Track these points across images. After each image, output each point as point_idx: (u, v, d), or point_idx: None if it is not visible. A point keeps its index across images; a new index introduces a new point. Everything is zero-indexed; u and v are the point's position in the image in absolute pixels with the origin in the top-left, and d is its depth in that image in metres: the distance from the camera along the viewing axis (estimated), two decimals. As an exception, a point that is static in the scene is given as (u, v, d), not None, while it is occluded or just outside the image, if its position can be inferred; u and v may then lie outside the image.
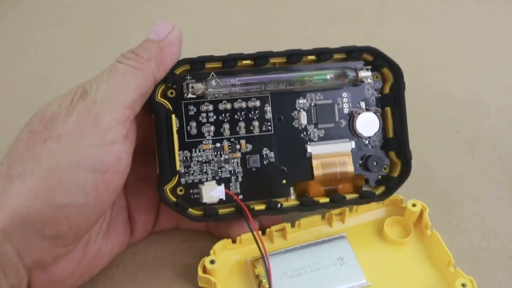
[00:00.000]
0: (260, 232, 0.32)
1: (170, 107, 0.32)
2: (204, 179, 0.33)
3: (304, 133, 0.34)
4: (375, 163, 0.34)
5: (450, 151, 0.42)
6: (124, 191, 0.34)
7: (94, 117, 0.26)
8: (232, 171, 0.33)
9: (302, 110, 0.34)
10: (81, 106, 0.27)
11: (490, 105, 0.45)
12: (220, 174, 0.33)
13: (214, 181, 0.32)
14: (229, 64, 0.32)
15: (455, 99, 0.45)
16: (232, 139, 0.33)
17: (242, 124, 0.33)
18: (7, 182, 0.25)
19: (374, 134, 0.35)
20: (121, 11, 0.54)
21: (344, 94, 0.35)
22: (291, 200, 0.33)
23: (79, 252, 0.29)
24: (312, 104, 0.34)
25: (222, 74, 0.32)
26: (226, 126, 0.33)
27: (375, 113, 0.35)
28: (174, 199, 0.32)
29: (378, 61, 0.34)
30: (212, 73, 0.32)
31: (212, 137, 0.33)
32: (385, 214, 0.36)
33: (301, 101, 0.34)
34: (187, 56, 0.32)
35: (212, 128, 0.33)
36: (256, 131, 0.33)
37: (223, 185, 0.32)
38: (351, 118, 0.34)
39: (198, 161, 0.33)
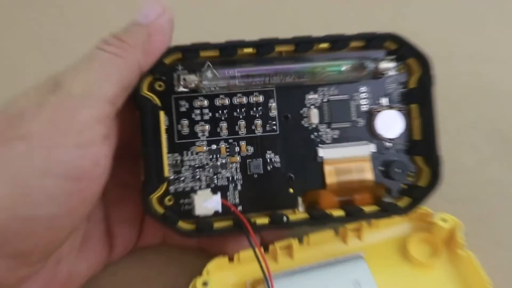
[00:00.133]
0: (262, 249, 0.31)
1: (158, 102, 0.32)
2: (197, 187, 0.33)
3: (315, 134, 0.34)
4: (398, 170, 0.34)
5: (488, 155, 0.41)
6: (102, 200, 0.34)
7: (68, 114, 0.26)
8: (230, 178, 0.33)
9: (312, 107, 0.34)
10: (53, 101, 0.26)
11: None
12: (216, 182, 0.33)
13: (209, 190, 0.32)
14: (227, 53, 0.32)
15: (494, 93, 0.44)
16: (231, 140, 0.33)
17: (242, 123, 0.33)
18: None
19: (398, 136, 0.34)
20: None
21: (363, 89, 0.34)
22: (299, 213, 0.33)
23: (48, 272, 0.29)
24: (325, 100, 0.34)
25: (219, 64, 0.32)
26: (224, 125, 0.33)
27: (399, 111, 0.34)
28: (161, 211, 0.32)
29: (403, 50, 0.34)
30: (208, 63, 0.32)
31: (207, 137, 0.33)
32: (409, 230, 0.36)
33: (311, 96, 0.34)
34: (178, 43, 0.31)
35: (207, 127, 0.33)
36: (259, 131, 0.33)
37: (219, 194, 0.32)
38: (371, 116, 0.34)
39: (190, 166, 0.33)
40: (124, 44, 0.29)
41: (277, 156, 0.33)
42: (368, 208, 0.33)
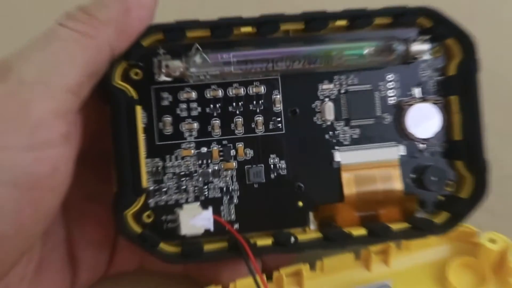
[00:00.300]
0: (264, 277, 0.31)
1: (134, 94, 0.31)
2: (183, 200, 0.32)
3: (330, 133, 0.34)
4: (434, 178, 0.34)
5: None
6: (63, 216, 0.33)
7: (20, 107, 0.26)
8: (225, 189, 0.33)
9: (327, 99, 0.34)
10: (0, 90, 0.26)
11: None
12: (206, 193, 0.33)
13: (198, 204, 0.32)
14: (221, 33, 0.32)
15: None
16: (225, 142, 0.33)
17: (239, 120, 0.33)
18: None
19: (434, 136, 0.34)
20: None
21: (390, 77, 0.34)
22: (311, 232, 0.33)
23: (-9, 306, 0.29)
24: (342, 91, 0.34)
25: (210, 47, 0.32)
26: (216, 122, 0.33)
27: (434, 104, 0.34)
28: (139, 230, 0.31)
29: (440, 28, 0.33)
30: (196, 45, 0.32)
31: (195, 138, 0.33)
32: (449, 253, 0.35)
33: (325, 86, 0.34)
34: (160, 21, 0.31)
35: (196, 125, 0.33)
36: (260, 130, 0.33)
37: (210, 209, 0.32)
38: (400, 111, 0.34)
39: (174, 174, 0.32)
40: (93, 20, 0.29)
41: (282, 161, 0.33)
42: (396, 226, 0.33)
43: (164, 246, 0.32)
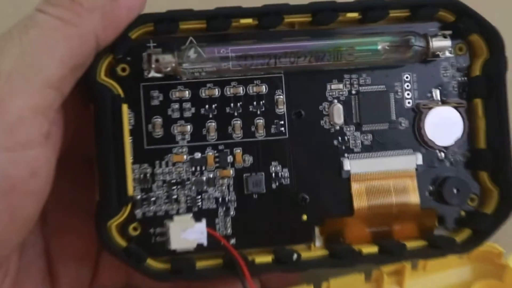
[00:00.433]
0: None
1: (121, 92, 0.31)
2: (174, 212, 0.32)
3: (339, 139, 0.34)
4: (456, 191, 0.34)
5: None
6: (41, 227, 0.33)
7: None
8: (220, 199, 0.33)
9: (336, 101, 0.34)
10: None
11: None
12: (200, 204, 0.33)
13: (190, 215, 0.32)
14: (218, 25, 0.32)
15: None
16: (221, 147, 0.33)
17: (237, 123, 0.33)
18: None
19: (455, 143, 0.34)
20: None
21: (407, 77, 0.34)
22: (316, 249, 0.33)
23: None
24: (353, 92, 0.34)
25: (206, 41, 0.32)
26: (212, 125, 0.33)
27: (456, 108, 0.34)
28: (124, 243, 0.31)
29: (464, 22, 0.34)
30: (190, 38, 0.32)
31: (188, 142, 0.33)
32: (471, 275, 0.35)
33: (334, 86, 0.34)
34: (150, 11, 0.31)
35: (189, 128, 0.33)
36: (261, 135, 0.33)
37: (204, 221, 0.32)
38: (418, 115, 0.34)
39: (164, 182, 0.32)
40: (77, 6, 0.28)
41: (285, 170, 0.33)
42: (412, 244, 0.33)
43: (152, 262, 0.31)
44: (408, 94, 0.34)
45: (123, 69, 0.32)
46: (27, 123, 0.26)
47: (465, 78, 0.34)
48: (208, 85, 0.33)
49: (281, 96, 0.33)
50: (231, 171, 0.33)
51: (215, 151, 0.33)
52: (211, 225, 0.32)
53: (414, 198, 0.34)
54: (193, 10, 0.32)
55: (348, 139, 0.34)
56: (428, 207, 0.34)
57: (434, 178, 0.34)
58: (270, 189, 0.33)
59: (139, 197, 0.32)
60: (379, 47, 0.33)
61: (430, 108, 0.34)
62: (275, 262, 0.32)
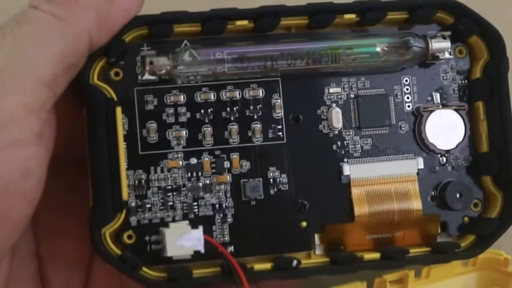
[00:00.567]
0: None
1: (114, 96, 0.31)
2: (170, 219, 0.32)
3: (338, 143, 0.34)
4: (458, 196, 0.34)
5: None
6: (33, 229, 0.33)
7: None
8: (217, 206, 0.33)
9: (334, 105, 0.34)
10: None
11: None
12: (196, 211, 0.33)
13: (187, 222, 0.32)
14: (213, 27, 0.32)
15: None
16: (218, 152, 0.33)
17: (234, 128, 0.33)
18: None
19: (457, 147, 0.34)
20: None
21: (406, 80, 0.35)
22: (316, 256, 0.33)
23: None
24: (352, 96, 0.34)
25: (201, 43, 0.32)
26: (208, 130, 0.33)
27: (457, 111, 0.34)
28: (118, 251, 0.31)
29: (464, 24, 0.34)
30: (185, 41, 0.32)
31: (184, 147, 0.33)
32: (475, 283, 0.36)
33: (333, 90, 0.34)
34: (144, 13, 0.31)
35: (185, 133, 0.33)
36: (258, 139, 0.33)
37: (201, 228, 0.31)
38: (418, 119, 0.34)
39: (160, 188, 0.32)
40: (71, 3, 0.28)
41: (283, 175, 0.33)
42: (414, 250, 0.33)
43: (147, 270, 0.31)
44: (408, 98, 0.34)
45: (116, 73, 0.32)
46: (19, 121, 0.26)
47: (466, 81, 0.35)
48: (204, 89, 0.33)
49: (278, 100, 0.33)
50: (228, 177, 0.33)
51: (211, 157, 0.33)
52: (208, 232, 0.32)
53: (416, 203, 0.34)
54: (188, 12, 0.32)
55: (348, 143, 0.34)
56: (430, 213, 0.34)
57: (436, 183, 0.34)
58: (268, 195, 0.33)
59: (133, 204, 0.32)
60: (378, 48, 0.33)
61: (430, 112, 0.34)
62: (274, 268, 0.32)
